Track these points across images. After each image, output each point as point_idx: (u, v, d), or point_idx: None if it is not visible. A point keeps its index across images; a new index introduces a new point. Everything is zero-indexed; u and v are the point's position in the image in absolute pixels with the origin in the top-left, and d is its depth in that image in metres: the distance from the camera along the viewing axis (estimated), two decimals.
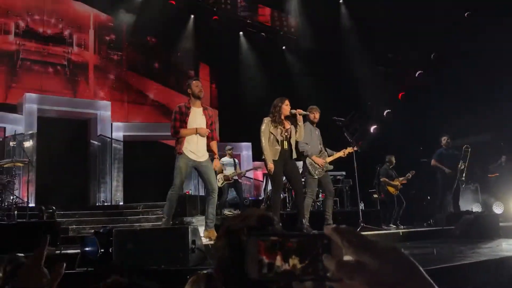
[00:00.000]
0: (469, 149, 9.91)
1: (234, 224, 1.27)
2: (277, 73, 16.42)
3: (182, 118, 5.83)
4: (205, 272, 2.48)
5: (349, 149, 7.34)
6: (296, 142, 6.47)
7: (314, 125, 7.20)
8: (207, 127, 5.91)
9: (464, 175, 9.84)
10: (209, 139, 5.99)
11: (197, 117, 5.89)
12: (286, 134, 6.27)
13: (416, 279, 0.61)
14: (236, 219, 1.29)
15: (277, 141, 6.20)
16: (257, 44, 16.30)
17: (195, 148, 5.82)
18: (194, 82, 5.98)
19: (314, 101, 8.67)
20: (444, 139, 10.16)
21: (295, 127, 6.31)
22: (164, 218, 5.76)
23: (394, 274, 0.61)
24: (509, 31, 10.99)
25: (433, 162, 10.13)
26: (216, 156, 6.13)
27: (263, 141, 6.21)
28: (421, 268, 0.62)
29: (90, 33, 14.60)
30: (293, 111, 6.29)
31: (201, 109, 5.96)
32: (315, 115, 7.13)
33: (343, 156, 7.36)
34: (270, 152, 6.19)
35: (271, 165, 6.11)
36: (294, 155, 6.38)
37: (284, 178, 6.64)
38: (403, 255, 0.63)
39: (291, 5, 16.41)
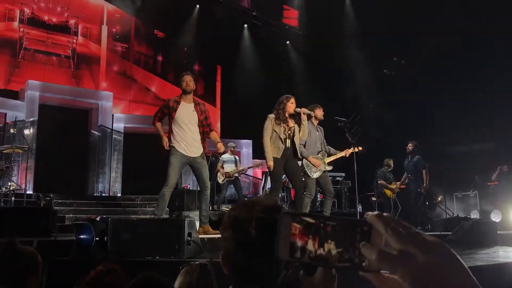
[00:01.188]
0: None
1: (241, 214, 1.23)
2: (280, 69, 16.38)
3: (169, 112, 5.81)
4: (198, 263, 2.46)
5: (352, 150, 7.29)
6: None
7: (317, 124, 7.15)
8: (199, 124, 5.86)
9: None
10: (206, 133, 5.94)
11: (187, 113, 5.82)
12: (289, 132, 6.22)
13: (462, 275, 0.58)
14: (243, 208, 1.25)
15: (280, 139, 6.15)
16: (260, 38, 16.20)
17: (188, 142, 5.78)
18: (182, 76, 5.94)
19: (315, 99, 8.63)
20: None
21: (299, 126, 6.27)
22: (155, 214, 5.70)
23: (441, 269, 0.57)
24: None
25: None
26: (219, 141, 6.04)
27: (265, 137, 6.17)
28: (466, 265, 0.59)
29: (95, 23, 14.57)
30: (298, 109, 6.25)
31: (192, 104, 5.89)
32: (317, 113, 7.09)
33: (346, 156, 7.31)
34: (272, 150, 6.15)
35: (270, 163, 6.07)
36: (295, 154, 6.34)
37: (284, 176, 6.61)
38: (450, 250, 0.60)
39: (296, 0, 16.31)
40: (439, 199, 9.87)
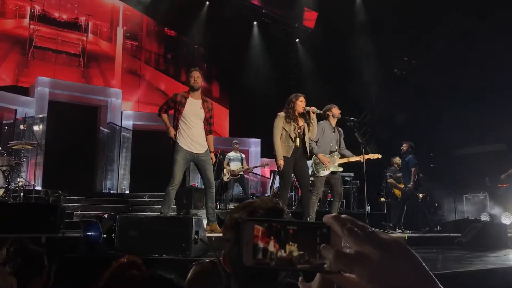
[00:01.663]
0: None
1: (242, 216, 1.23)
2: (289, 67, 16.32)
3: (176, 106, 5.79)
4: (208, 260, 2.44)
5: (369, 156, 7.20)
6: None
7: (335, 123, 7.09)
8: (205, 120, 5.86)
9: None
10: (207, 132, 5.94)
11: (194, 109, 5.81)
12: (299, 131, 6.19)
13: (419, 275, 0.57)
14: (244, 210, 1.25)
15: (290, 137, 6.12)
16: (270, 35, 16.15)
17: (194, 139, 5.77)
18: (190, 72, 5.92)
19: (325, 98, 8.58)
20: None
21: (308, 125, 6.24)
22: (161, 213, 5.68)
23: (397, 268, 0.57)
24: None
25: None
26: (213, 151, 6.04)
27: (275, 136, 6.15)
28: (425, 265, 0.58)
29: (106, 21, 14.62)
30: (307, 108, 6.21)
31: (200, 101, 5.88)
32: (334, 112, 7.04)
33: (362, 161, 7.21)
34: (282, 148, 6.12)
35: (281, 162, 6.04)
36: (306, 153, 6.31)
37: (293, 175, 6.58)
38: (407, 249, 0.59)
39: None
40: (421, 196, 9.79)
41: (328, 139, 6.94)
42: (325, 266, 0.61)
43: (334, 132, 7.11)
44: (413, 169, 9.58)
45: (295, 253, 0.62)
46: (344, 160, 7.22)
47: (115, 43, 14.71)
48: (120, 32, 14.75)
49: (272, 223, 0.63)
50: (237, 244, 1.21)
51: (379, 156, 7.39)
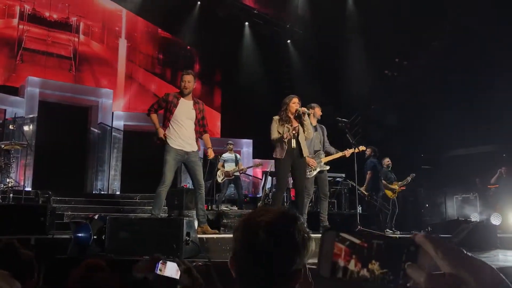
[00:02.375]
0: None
1: (253, 217, 1.23)
2: (281, 68, 16.33)
3: (168, 106, 5.79)
4: (201, 263, 2.45)
5: (352, 150, 7.29)
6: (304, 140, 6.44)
7: (316, 122, 7.17)
8: (196, 121, 5.87)
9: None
10: (200, 133, 5.93)
11: (186, 110, 5.82)
12: (294, 132, 6.22)
13: None
14: (256, 212, 1.25)
15: (284, 139, 6.18)
16: (261, 36, 16.15)
17: (184, 139, 5.77)
18: (182, 76, 5.92)
19: (317, 99, 8.60)
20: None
21: (302, 125, 6.27)
22: (152, 214, 5.66)
23: None
24: None
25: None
26: (210, 146, 6.07)
27: (272, 137, 6.24)
28: None
29: (97, 21, 14.53)
30: (299, 109, 6.25)
31: (191, 102, 5.89)
32: (316, 111, 7.11)
33: (346, 156, 7.31)
34: (276, 151, 6.21)
35: (286, 137, 6.08)
36: (305, 153, 6.33)
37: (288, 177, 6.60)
38: (499, 273, 0.59)
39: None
40: (367, 194, 9.90)
41: (311, 139, 6.97)
42: (409, 285, 0.60)
43: (316, 130, 7.17)
44: (368, 173, 9.70)
45: (377, 272, 0.61)
46: (330, 158, 7.29)
47: (103, 41, 14.61)
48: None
49: (353, 239, 0.62)
50: (242, 245, 1.20)
51: (363, 148, 7.46)
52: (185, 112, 5.80)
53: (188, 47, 16.01)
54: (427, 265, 0.60)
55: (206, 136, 6.03)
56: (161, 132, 5.73)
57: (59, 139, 11.55)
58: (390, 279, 0.60)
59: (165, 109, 5.84)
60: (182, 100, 5.83)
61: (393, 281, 0.60)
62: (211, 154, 6.05)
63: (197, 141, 5.91)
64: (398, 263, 0.60)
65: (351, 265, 0.61)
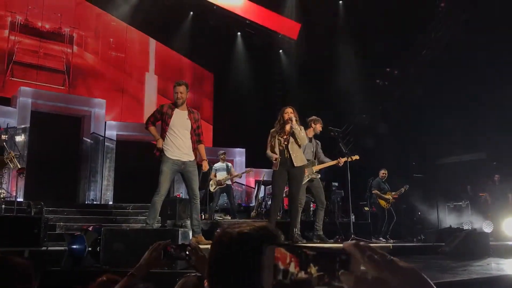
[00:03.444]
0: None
1: (228, 233, 1.22)
2: (273, 77, 16.38)
3: (163, 117, 5.81)
4: (194, 275, 2.43)
5: (345, 159, 7.33)
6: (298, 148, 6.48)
7: (312, 135, 7.23)
8: (192, 131, 5.88)
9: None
10: (195, 142, 5.94)
11: (181, 120, 5.83)
12: (285, 143, 6.27)
13: None
14: (232, 227, 1.24)
15: (276, 151, 6.25)
16: (253, 46, 16.20)
17: (181, 149, 5.77)
18: (174, 87, 5.92)
19: (308, 108, 8.64)
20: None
21: (293, 134, 6.31)
22: (147, 224, 5.62)
23: None
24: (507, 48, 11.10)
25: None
26: (206, 159, 6.09)
27: (266, 151, 6.34)
28: None
29: (89, 31, 14.51)
30: (286, 116, 6.31)
31: (186, 112, 5.91)
32: (317, 127, 7.18)
33: (340, 165, 7.35)
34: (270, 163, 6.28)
35: (275, 160, 6.19)
36: (299, 162, 6.34)
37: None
38: (423, 276, 0.64)
39: (290, 9, 16.30)
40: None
41: (303, 148, 7.01)
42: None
43: (311, 141, 7.23)
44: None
45: (315, 275, 0.64)
46: (321, 166, 7.35)
47: (96, 52, 14.57)
48: (91, 32, 14.63)
49: (294, 247, 0.65)
50: (218, 260, 1.20)
51: (357, 157, 7.50)
52: (180, 123, 5.81)
53: (181, 56, 15.98)
54: (357, 270, 0.64)
55: (201, 147, 6.03)
56: (160, 143, 5.75)
57: (51, 149, 11.50)
58: (326, 282, 0.64)
59: (161, 120, 5.86)
60: (176, 110, 5.84)
61: (329, 284, 0.64)
62: (205, 166, 6.06)
63: (194, 150, 5.91)
64: (332, 269, 0.64)
65: (291, 268, 0.65)
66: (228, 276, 1.18)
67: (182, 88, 5.88)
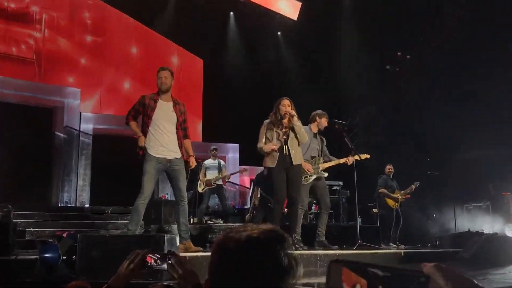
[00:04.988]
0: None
1: (233, 237, 1.24)
2: (270, 63, 16.34)
3: (145, 110, 5.79)
4: (161, 284, 2.48)
5: (356, 157, 7.35)
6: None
7: (317, 131, 7.25)
8: (178, 125, 5.87)
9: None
10: (182, 138, 5.92)
11: (166, 113, 5.82)
12: (285, 137, 6.26)
13: None
14: (238, 228, 1.26)
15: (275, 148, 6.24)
16: (248, 28, 16.14)
17: (166, 145, 5.77)
18: (158, 72, 5.93)
19: (309, 98, 8.65)
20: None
21: (293, 129, 6.31)
22: (129, 229, 5.63)
23: None
24: None
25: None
26: (192, 154, 6.08)
27: (258, 145, 6.30)
28: None
29: (62, 11, 14.41)
30: (283, 109, 6.31)
31: (171, 103, 5.90)
32: (322, 121, 7.20)
33: (348, 164, 7.37)
34: (266, 160, 6.28)
35: (272, 146, 6.19)
36: (297, 161, 6.37)
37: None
38: None
39: None
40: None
41: (308, 144, 7.03)
42: None
43: (316, 137, 7.25)
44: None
45: None
46: (328, 164, 7.35)
47: (71, 35, 14.48)
48: (64, 13, 14.53)
49: (361, 266, 0.65)
50: (222, 268, 1.21)
51: (367, 156, 7.53)
52: (164, 116, 5.80)
53: (166, 39, 15.93)
54: None
55: (187, 143, 6.02)
56: (142, 140, 5.71)
57: (19, 145, 11.46)
58: None
59: (142, 114, 5.84)
60: (160, 102, 5.83)
61: None
62: (193, 163, 6.05)
63: (181, 146, 5.91)
64: None
65: None
66: (236, 286, 1.19)
67: (166, 73, 5.88)
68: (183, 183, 5.89)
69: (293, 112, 6.34)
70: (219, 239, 1.27)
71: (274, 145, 6.22)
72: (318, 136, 7.36)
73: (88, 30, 14.82)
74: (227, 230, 1.29)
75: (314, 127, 7.24)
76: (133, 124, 5.86)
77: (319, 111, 7.34)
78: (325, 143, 7.51)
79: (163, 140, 5.76)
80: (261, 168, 12.42)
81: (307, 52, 15.44)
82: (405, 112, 13.70)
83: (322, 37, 14.87)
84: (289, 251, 1.23)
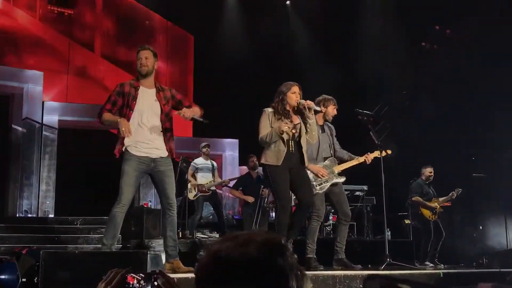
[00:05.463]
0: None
1: (229, 251, 1.23)
2: (278, 41, 16.32)
3: (125, 100, 5.75)
4: None
5: (375, 153, 7.33)
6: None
7: (321, 121, 7.20)
8: (163, 117, 5.82)
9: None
10: (167, 133, 5.87)
11: (149, 102, 5.82)
12: (294, 131, 6.24)
13: None
14: (229, 242, 1.25)
15: (282, 139, 6.17)
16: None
17: (149, 142, 5.75)
18: (138, 52, 5.91)
19: (326, 84, 8.64)
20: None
21: (305, 124, 6.29)
22: (104, 244, 5.60)
23: None
24: None
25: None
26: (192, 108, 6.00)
27: (260, 135, 6.20)
28: None
29: None
30: (302, 102, 6.26)
31: (153, 90, 5.90)
32: (329, 110, 7.14)
33: (367, 163, 7.34)
34: (270, 156, 6.19)
35: (284, 127, 6.02)
36: (307, 161, 6.36)
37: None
38: None
39: None
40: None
41: (317, 143, 6.99)
42: None
43: (324, 131, 7.19)
44: None
45: None
46: (345, 166, 7.32)
47: (33, 8, 14.49)
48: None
49: (394, 282, 0.65)
50: (214, 285, 1.21)
51: (389, 151, 7.50)
52: (147, 106, 5.80)
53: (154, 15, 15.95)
54: None
55: (193, 108, 5.96)
56: (123, 124, 5.52)
57: None
58: None
59: (122, 105, 5.79)
60: (142, 89, 5.82)
61: None
62: (184, 112, 5.82)
63: (169, 142, 5.89)
64: None
65: None
66: None
67: (147, 53, 5.86)
68: (171, 187, 5.88)
69: (313, 104, 6.32)
70: (205, 257, 1.26)
71: (292, 126, 6.13)
72: (326, 128, 7.30)
73: (53, 1, 14.82)
74: (213, 244, 1.28)
75: (319, 119, 7.14)
76: (106, 115, 5.79)
77: (323, 96, 7.19)
78: (334, 133, 7.43)
79: (145, 136, 5.75)
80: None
81: (322, 25, 15.40)
82: (444, 100, 13.65)
83: (341, 6, 14.84)
84: (292, 263, 1.24)
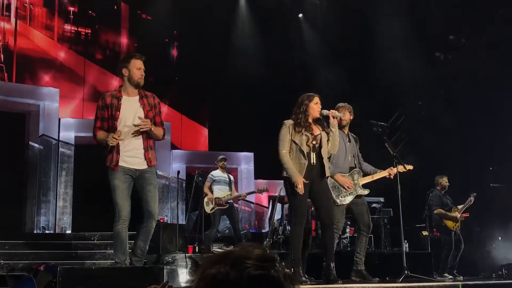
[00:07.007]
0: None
1: (224, 272, 1.24)
2: (291, 52, 16.33)
3: (109, 111, 5.67)
4: None
5: (399, 168, 7.28)
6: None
7: (348, 130, 7.20)
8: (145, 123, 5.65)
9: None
10: (149, 140, 5.80)
11: (132, 111, 5.70)
12: (314, 142, 6.23)
13: None
14: (222, 262, 1.25)
15: (302, 152, 6.16)
16: (263, 10, 16.13)
17: (130, 149, 5.70)
18: (133, 61, 5.75)
19: (340, 95, 8.62)
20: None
21: (327, 134, 6.29)
22: (117, 263, 5.58)
23: None
24: None
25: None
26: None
27: (280, 149, 6.17)
28: None
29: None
30: (326, 112, 6.28)
31: (136, 97, 5.78)
32: (345, 117, 7.12)
33: (390, 177, 7.31)
34: (294, 165, 6.15)
35: (299, 179, 5.94)
36: (327, 172, 6.36)
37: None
38: None
39: None
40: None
41: (344, 152, 6.99)
42: None
43: (350, 141, 7.19)
44: None
45: None
46: (369, 179, 7.30)
47: (48, 27, 14.60)
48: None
49: None
50: None
51: (411, 167, 7.47)
52: (131, 114, 5.69)
53: (165, 29, 16.04)
54: None
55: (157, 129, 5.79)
56: (113, 136, 5.51)
57: None
58: None
59: (107, 117, 5.71)
60: (124, 98, 5.73)
61: None
62: (143, 121, 5.64)
63: (151, 150, 5.81)
64: None
65: None
66: None
67: (142, 64, 5.78)
68: (153, 195, 5.81)
69: (336, 113, 6.34)
70: (204, 275, 1.27)
71: (300, 185, 5.99)
72: (351, 138, 7.30)
73: (69, 20, 14.93)
74: (207, 267, 1.28)
75: (344, 128, 7.18)
76: (99, 134, 5.75)
77: (340, 104, 7.21)
78: (358, 144, 7.43)
79: (131, 145, 5.70)
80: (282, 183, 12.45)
81: (336, 37, 15.40)
82: (461, 110, 13.59)
83: (355, 18, 14.84)
84: (285, 273, 1.26)
